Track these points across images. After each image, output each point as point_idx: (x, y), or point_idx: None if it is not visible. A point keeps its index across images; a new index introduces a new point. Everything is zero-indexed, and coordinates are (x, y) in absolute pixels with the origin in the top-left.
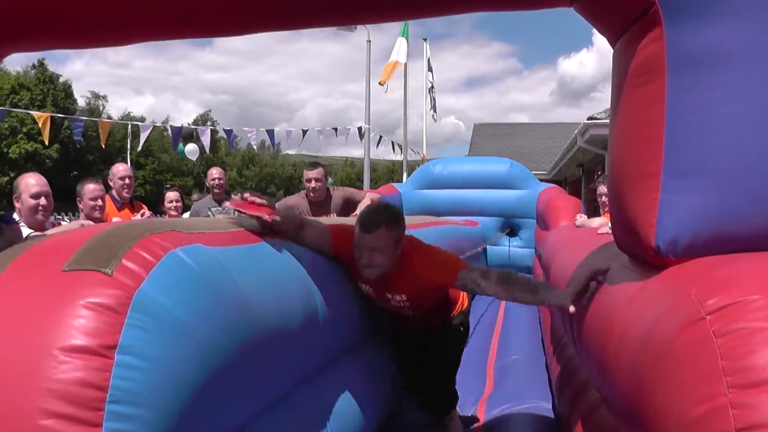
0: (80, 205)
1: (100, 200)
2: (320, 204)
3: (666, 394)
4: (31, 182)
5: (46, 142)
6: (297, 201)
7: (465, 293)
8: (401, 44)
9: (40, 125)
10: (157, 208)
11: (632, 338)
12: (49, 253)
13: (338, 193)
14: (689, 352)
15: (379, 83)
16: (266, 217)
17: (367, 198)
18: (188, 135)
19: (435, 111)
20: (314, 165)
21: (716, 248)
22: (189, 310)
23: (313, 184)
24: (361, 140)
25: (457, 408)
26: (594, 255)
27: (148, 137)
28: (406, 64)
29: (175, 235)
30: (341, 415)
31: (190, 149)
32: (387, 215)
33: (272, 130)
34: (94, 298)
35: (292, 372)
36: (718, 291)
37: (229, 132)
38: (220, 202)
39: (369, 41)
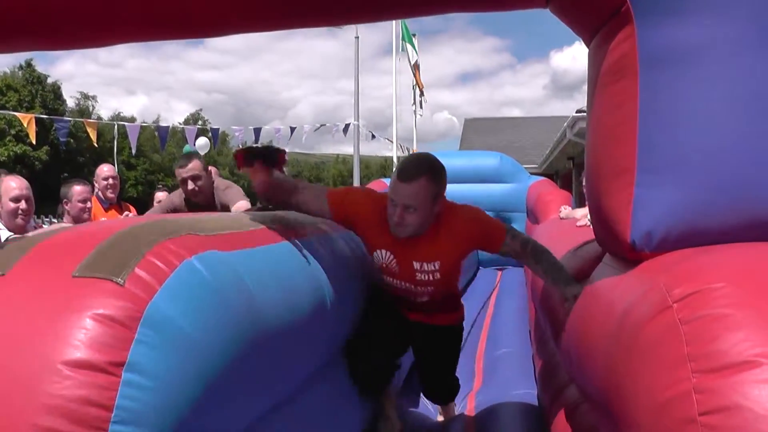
0: (67, 208)
1: (88, 202)
2: (206, 207)
3: (634, 381)
4: (12, 185)
5: (34, 142)
6: (179, 202)
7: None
8: (410, 49)
9: (25, 126)
10: (148, 208)
11: (606, 329)
12: (60, 253)
13: (219, 194)
14: (657, 339)
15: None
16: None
17: (241, 204)
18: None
19: (421, 107)
20: (187, 158)
21: (690, 242)
22: (199, 325)
23: (191, 185)
24: (345, 136)
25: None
26: (573, 252)
27: (138, 137)
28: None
29: (190, 240)
30: (335, 413)
31: (202, 143)
32: (430, 165)
33: (260, 129)
34: (104, 310)
35: (297, 374)
36: (685, 280)
37: (215, 131)
38: None
39: (357, 37)
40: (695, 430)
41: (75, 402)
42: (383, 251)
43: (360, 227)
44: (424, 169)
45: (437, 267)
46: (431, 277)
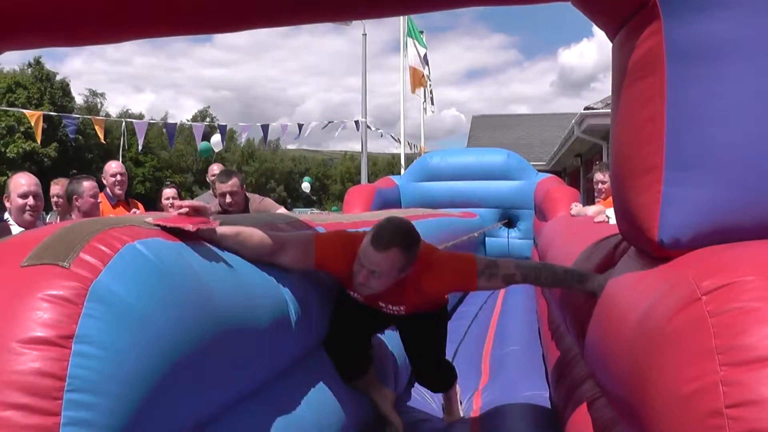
0: (77, 204)
1: (98, 197)
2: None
3: (659, 373)
4: (21, 182)
5: (39, 141)
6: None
7: None
8: (413, 45)
9: (32, 124)
10: (155, 205)
11: (630, 321)
12: (9, 251)
13: (255, 206)
14: (684, 332)
15: (414, 92)
16: (189, 227)
17: (282, 210)
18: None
19: (432, 103)
20: (228, 174)
21: (719, 240)
22: (146, 300)
23: (228, 199)
24: (357, 131)
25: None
26: (592, 248)
27: (146, 134)
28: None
29: (135, 229)
30: (319, 407)
31: (216, 140)
32: (405, 237)
33: (267, 126)
34: (51, 291)
35: (262, 366)
36: (714, 273)
37: (223, 128)
38: None
39: (365, 35)
40: (721, 422)
41: (30, 375)
42: (352, 292)
43: (334, 274)
44: (397, 240)
45: (402, 309)
46: (396, 313)
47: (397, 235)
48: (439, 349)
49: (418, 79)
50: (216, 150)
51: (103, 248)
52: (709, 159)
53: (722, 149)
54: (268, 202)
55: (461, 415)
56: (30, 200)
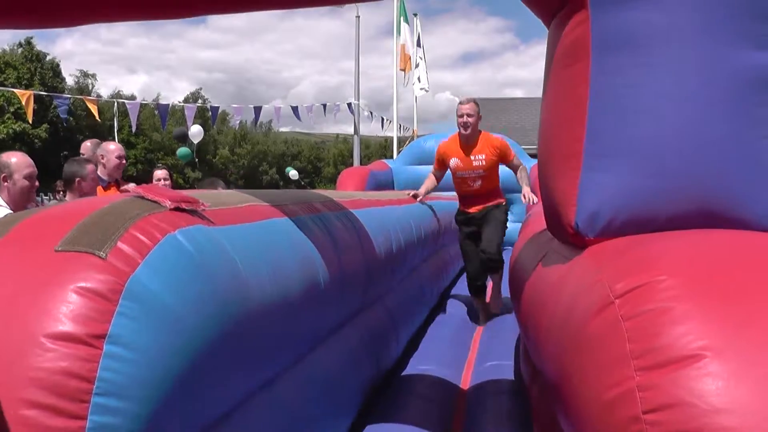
0: (80, 186)
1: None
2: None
3: (582, 379)
4: (27, 162)
5: (30, 121)
6: None
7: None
8: (405, 27)
9: (23, 103)
10: None
11: (555, 321)
12: (43, 229)
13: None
14: (600, 337)
15: (401, 70)
16: (168, 203)
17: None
18: (181, 136)
19: (419, 81)
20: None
21: (634, 228)
22: (182, 299)
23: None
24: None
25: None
26: (533, 239)
27: (138, 116)
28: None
29: (175, 215)
30: (336, 382)
31: (195, 131)
32: (473, 99)
33: (259, 108)
34: (85, 283)
35: (287, 352)
36: (627, 274)
37: (215, 110)
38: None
39: (358, 17)
40: (640, 428)
41: (57, 374)
42: (454, 158)
43: (445, 157)
44: (471, 99)
45: (483, 158)
46: (480, 164)
47: (471, 98)
48: (501, 230)
49: (405, 60)
50: (195, 141)
51: (143, 238)
52: (628, 147)
53: (640, 138)
54: None
55: (500, 305)
56: (35, 183)
